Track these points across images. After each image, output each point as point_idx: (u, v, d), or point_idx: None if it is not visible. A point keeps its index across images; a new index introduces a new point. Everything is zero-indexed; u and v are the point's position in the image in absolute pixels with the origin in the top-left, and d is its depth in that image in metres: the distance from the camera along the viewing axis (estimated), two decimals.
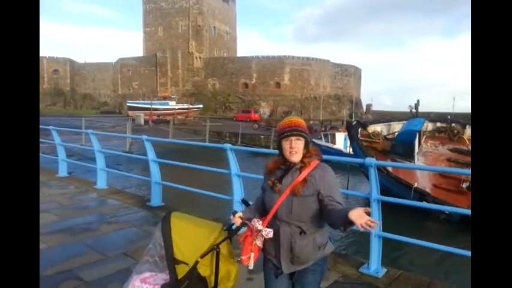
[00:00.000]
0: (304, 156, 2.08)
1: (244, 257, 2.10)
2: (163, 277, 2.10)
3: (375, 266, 3.83)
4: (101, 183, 7.58)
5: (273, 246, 2.11)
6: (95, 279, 3.56)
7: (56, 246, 4.39)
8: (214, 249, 2.06)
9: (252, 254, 2.09)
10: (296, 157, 2.06)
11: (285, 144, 2.07)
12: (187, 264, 2.03)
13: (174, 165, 6.47)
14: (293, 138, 2.05)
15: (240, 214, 2.24)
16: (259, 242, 2.09)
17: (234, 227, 2.21)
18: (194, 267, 2.03)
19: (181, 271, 2.03)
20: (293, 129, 2.06)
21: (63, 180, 8.30)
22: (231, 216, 2.24)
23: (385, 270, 3.84)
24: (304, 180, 2.02)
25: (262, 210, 2.24)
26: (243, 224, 2.19)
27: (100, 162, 7.64)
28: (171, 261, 2.04)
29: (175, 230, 2.08)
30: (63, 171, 8.76)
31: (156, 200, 6.29)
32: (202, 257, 2.04)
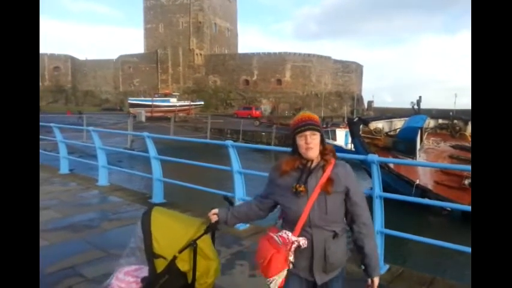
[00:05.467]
0: (322, 153, 1.97)
1: (275, 278, 1.90)
2: (147, 270, 2.10)
3: None
4: (103, 180, 7.59)
5: (304, 257, 1.94)
6: (96, 276, 3.56)
7: (58, 243, 4.40)
8: (192, 244, 2.04)
9: (285, 272, 1.90)
10: (312, 153, 1.93)
11: (300, 141, 1.94)
12: (165, 258, 2.02)
13: (176, 162, 6.47)
14: (308, 133, 1.92)
15: (215, 211, 2.16)
16: (292, 257, 1.90)
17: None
18: (172, 262, 2.03)
19: (160, 265, 2.02)
20: (307, 123, 1.94)
21: (65, 177, 8.30)
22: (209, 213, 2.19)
23: (387, 267, 3.83)
24: (331, 178, 1.92)
25: (255, 217, 2.20)
26: (218, 222, 2.15)
27: (101, 159, 7.64)
28: (150, 255, 2.04)
29: (155, 224, 2.07)
30: (64, 169, 8.77)
31: (158, 196, 6.30)
32: (180, 252, 2.03)
